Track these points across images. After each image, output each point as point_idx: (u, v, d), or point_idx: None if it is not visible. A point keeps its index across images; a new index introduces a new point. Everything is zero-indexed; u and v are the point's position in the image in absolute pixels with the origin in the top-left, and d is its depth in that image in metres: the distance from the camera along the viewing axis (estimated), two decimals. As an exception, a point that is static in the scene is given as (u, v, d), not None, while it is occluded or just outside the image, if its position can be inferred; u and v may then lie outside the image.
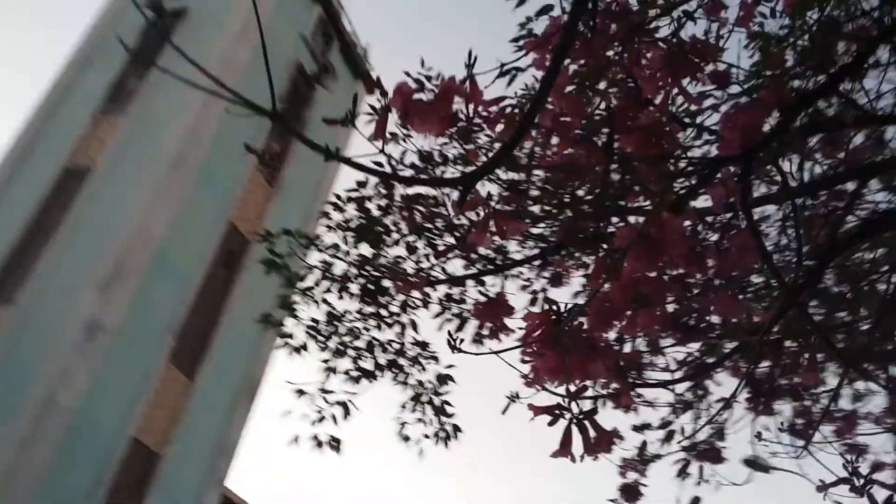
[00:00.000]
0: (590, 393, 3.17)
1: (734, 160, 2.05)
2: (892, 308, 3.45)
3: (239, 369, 14.59)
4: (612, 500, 4.35)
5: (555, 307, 2.12)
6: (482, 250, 4.25)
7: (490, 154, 4.05)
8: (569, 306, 2.20)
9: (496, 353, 2.38)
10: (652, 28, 2.23)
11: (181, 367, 13.52)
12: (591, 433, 2.11)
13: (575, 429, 2.14)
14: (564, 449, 2.13)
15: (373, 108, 1.96)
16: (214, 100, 14.29)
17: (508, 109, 2.06)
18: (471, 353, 2.64)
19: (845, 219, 3.40)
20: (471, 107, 1.99)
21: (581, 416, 2.13)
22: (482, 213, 2.10)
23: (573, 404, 2.28)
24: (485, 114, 2.04)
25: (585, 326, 2.23)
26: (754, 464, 4.81)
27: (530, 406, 2.25)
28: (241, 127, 14.85)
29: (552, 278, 4.90)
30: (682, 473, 4.36)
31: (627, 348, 3.75)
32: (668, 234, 2.12)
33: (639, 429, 4.91)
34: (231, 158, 14.55)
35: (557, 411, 2.17)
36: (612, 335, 2.84)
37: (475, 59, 2.06)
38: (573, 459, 2.12)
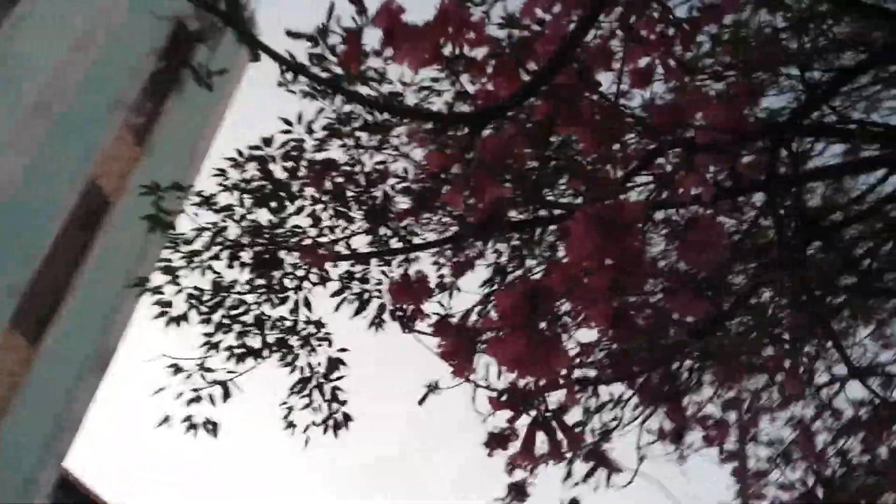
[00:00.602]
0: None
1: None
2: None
3: (90, 338, 13.51)
4: (499, 499, 4.16)
5: (530, 286, 1.83)
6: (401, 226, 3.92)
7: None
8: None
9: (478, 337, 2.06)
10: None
11: (24, 332, 12.34)
12: (558, 435, 1.83)
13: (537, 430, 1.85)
14: (527, 452, 1.84)
15: (348, 29, 1.59)
16: (84, 45, 13.14)
17: (501, 52, 1.74)
18: (427, 334, 2.32)
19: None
20: (459, 40, 1.67)
21: (548, 416, 1.84)
22: (458, 171, 1.79)
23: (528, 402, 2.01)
24: (473, 50, 1.71)
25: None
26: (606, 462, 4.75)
27: (491, 401, 1.95)
28: (111, 78, 13.76)
29: (459, 265, 4.63)
30: (589, 476, 4.20)
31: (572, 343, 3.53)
32: (628, 220, 1.89)
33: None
34: (97, 111, 13.45)
35: (521, 408, 1.89)
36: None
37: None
38: (535, 465, 1.84)
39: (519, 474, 4.38)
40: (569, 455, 1.82)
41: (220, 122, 17.81)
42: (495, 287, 4.38)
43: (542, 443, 1.85)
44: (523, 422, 2.13)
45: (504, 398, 1.91)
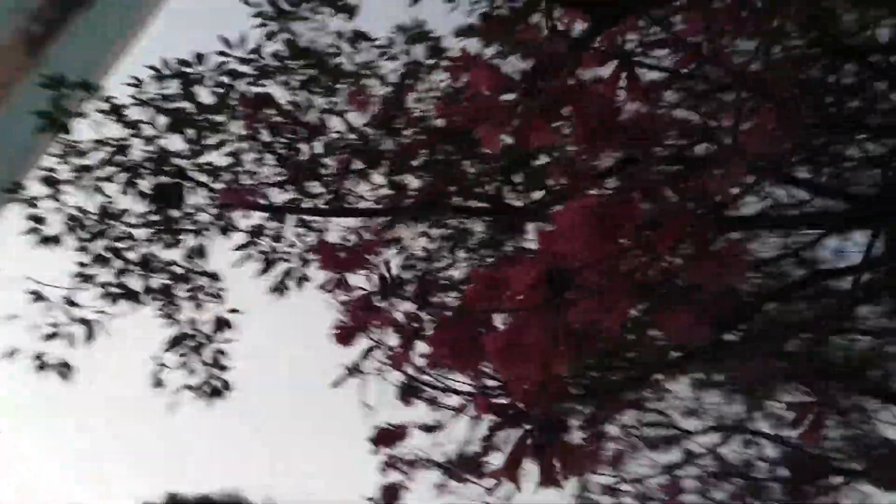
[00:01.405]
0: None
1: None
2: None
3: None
4: (370, 499, 3.78)
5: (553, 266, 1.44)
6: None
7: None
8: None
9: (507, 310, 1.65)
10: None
11: None
12: (554, 456, 1.44)
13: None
14: (511, 471, 1.44)
15: None
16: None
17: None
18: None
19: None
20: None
21: (545, 431, 1.45)
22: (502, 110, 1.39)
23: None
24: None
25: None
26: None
27: (480, 402, 1.55)
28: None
29: (371, 244, 4.21)
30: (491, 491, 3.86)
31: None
32: (631, 216, 1.59)
33: (430, 429, 4.37)
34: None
35: (512, 413, 1.49)
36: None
37: None
38: (519, 487, 1.46)
39: (394, 476, 3.99)
40: (567, 481, 1.42)
41: (126, 51, 16.69)
42: (420, 274, 3.99)
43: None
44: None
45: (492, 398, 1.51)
